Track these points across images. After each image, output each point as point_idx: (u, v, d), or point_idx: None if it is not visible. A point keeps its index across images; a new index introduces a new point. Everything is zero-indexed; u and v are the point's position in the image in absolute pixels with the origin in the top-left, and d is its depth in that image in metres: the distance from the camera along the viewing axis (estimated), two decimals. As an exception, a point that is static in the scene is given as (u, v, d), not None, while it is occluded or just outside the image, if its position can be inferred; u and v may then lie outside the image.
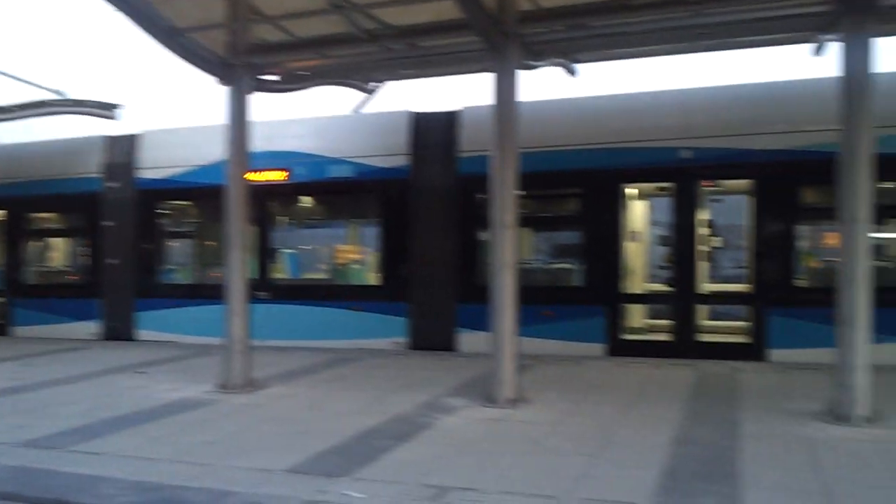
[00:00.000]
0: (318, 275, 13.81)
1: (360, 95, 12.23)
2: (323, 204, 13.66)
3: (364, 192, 12.44)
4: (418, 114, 11.90)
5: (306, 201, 13.41)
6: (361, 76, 10.81)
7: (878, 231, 11.74)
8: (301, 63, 9.76)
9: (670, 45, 8.97)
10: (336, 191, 12.52)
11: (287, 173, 12.51)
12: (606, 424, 6.94)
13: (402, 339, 11.81)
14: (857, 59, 6.86)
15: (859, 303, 6.85)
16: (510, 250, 7.77)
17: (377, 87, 11.97)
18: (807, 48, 8.63)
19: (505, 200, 7.73)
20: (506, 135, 7.70)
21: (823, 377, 7.81)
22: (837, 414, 6.90)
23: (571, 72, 9.56)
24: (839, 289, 6.97)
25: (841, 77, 6.96)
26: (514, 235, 7.79)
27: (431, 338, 11.63)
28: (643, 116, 10.85)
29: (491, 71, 7.77)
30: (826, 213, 10.66)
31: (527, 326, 10.47)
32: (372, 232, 12.86)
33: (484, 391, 8.05)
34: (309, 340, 12.19)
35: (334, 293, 12.60)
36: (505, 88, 7.72)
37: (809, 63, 8.84)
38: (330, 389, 8.88)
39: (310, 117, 13.04)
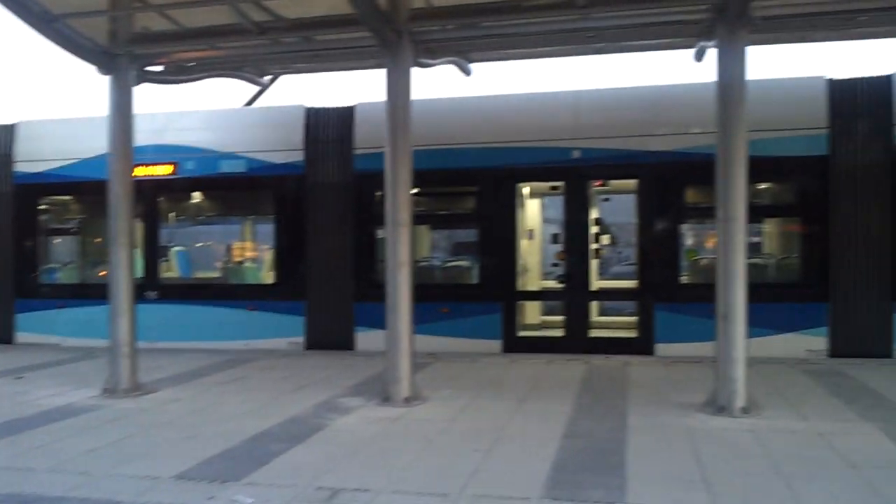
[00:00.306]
0: (211, 273, 13.44)
1: (254, 88, 11.92)
2: (215, 200, 13.27)
3: (258, 189, 12.15)
4: (313, 109, 11.72)
5: (197, 197, 13.00)
6: (254, 69, 10.53)
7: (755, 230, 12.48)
8: (188, 54, 9.42)
9: (561, 47, 9.19)
10: (228, 186, 12.19)
11: (175, 168, 12.08)
12: (500, 420, 7.03)
13: (298, 339, 11.62)
14: (731, 65, 7.19)
15: (737, 298, 7.19)
16: (405, 248, 7.76)
17: (271, 80, 11.70)
18: (689, 54, 9.00)
19: (399, 198, 7.71)
20: (399, 132, 7.69)
21: (706, 370, 8.15)
22: (718, 405, 7.21)
23: (466, 71, 9.63)
24: (718, 285, 7.29)
25: (717, 82, 7.29)
26: (408, 233, 7.78)
27: (329, 337, 11.49)
28: (537, 116, 11.06)
29: (384, 68, 7.73)
30: (708, 213, 11.25)
31: (424, 324, 10.58)
32: (267, 229, 12.60)
33: (380, 390, 8.02)
34: (201, 342, 11.83)
35: (228, 292, 12.28)
36: (398, 85, 7.70)
37: (700, 68, 9.23)
38: (222, 392, 8.64)
39: (201, 110, 12.64)
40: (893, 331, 9.92)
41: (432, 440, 6.43)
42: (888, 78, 10.04)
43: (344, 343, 11.42)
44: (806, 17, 7.85)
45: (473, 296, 11.32)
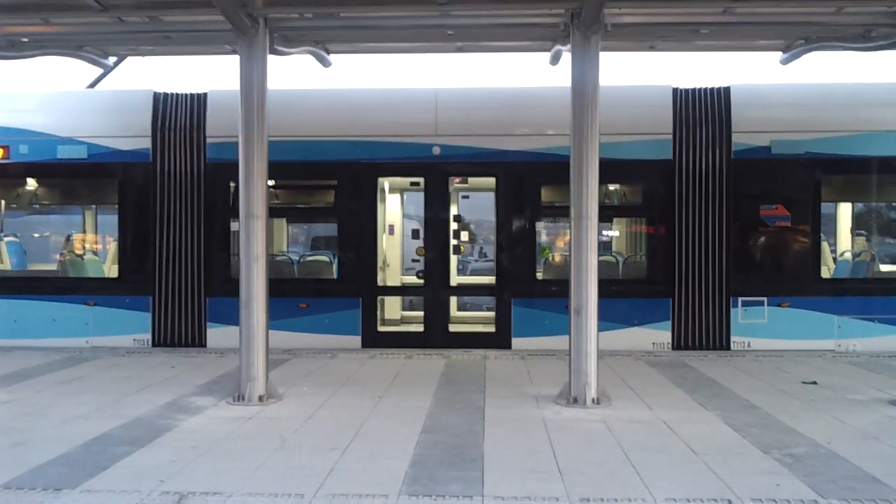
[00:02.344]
0: (48, 266, 12.49)
1: (97, 70, 11.15)
2: (53, 187, 12.35)
3: (101, 176, 11.38)
4: (163, 94, 11.11)
5: (32, 184, 12.03)
6: (96, 49, 9.82)
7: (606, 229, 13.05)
8: (19, 28, 8.65)
9: (422, 43, 9.17)
10: (68, 173, 11.34)
11: (7, 151, 11.12)
12: (358, 417, 6.92)
13: (145, 336, 11.00)
14: (584, 70, 7.43)
15: (589, 294, 7.44)
16: (260, 242, 7.49)
17: (116, 62, 10.98)
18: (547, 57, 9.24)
19: (254, 190, 7.44)
20: (254, 122, 7.42)
21: (561, 363, 8.38)
22: (571, 397, 7.44)
23: (325, 62, 9.43)
24: (571, 281, 7.51)
25: (571, 86, 7.51)
26: (264, 226, 7.51)
27: (178, 333, 10.96)
28: (398, 112, 11.02)
29: (238, 54, 7.43)
30: (563, 211, 11.64)
31: (282, 320, 10.33)
32: (111, 219, 11.83)
33: (233, 389, 7.70)
34: (37, 339, 10.96)
35: (67, 286, 11.44)
36: (253, 73, 7.42)
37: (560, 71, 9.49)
38: (58, 393, 8.00)
39: (37, 92, 11.70)
40: (731, 325, 10.62)
41: (287, 439, 6.23)
42: (727, 89, 10.74)
43: (195, 339, 10.93)
44: (655, 26, 8.24)
45: (333, 291, 11.16)
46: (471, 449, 5.93)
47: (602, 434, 6.41)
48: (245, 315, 7.52)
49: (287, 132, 10.49)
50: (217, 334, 10.78)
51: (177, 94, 11.15)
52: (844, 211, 12.74)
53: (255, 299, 7.49)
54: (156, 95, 11.11)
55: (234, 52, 8.58)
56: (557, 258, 11.83)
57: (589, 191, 7.40)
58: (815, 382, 8.48)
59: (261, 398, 7.48)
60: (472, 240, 15.31)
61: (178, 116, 11.01)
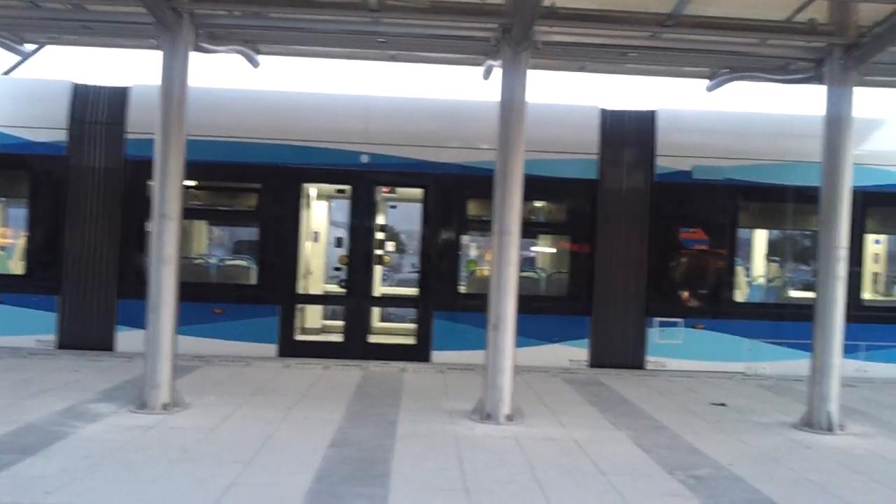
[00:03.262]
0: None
1: (13, 57, 10.64)
2: None
3: (10, 168, 10.84)
4: (82, 86, 10.67)
5: None
6: (11, 34, 9.37)
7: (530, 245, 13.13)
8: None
9: (354, 49, 9.06)
10: None
11: None
12: (266, 429, 6.72)
13: (49, 337, 10.50)
14: (513, 85, 7.45)
15: (508, 309, 7.42)
16: (172, 243, 7.22)
17: (34, 49, 10.51)
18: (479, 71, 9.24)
19: (168, 189, 7.18)
20: (172, 119, 7.17)
21: (479, 377, 8.33)
22: (485, 413, 7.38)
23: (253, 62, 9.20)
24: (491, 296, 7.48)
25: (500, 101, 7.52)
26: (176, 228, 7.24)
27: (86, 336, 10.49)
28: (327, 118, 10.85)
29: (161, 49, 7.18)
30: (488, 225, 11.66)
31: (195, 325, 10.03)
32: (19, 213, 11.29)
33: (136, 396, 7.39)
34: None
35: None
36: (174, 69, 7.19)
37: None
38: (-54, 396, 7.56)
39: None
40: (647, 344, 10.77)
41: (188, 450, 6.00)
42: (652, 113, 10.94)
43: (103, 343, 10.47)
44: (585, 47, 8.31)
45: (250, 297, 10.87)
46: (378, 464, 5.82)
47: (513, 452, 6.38)
48: (152, 319, 7.23)
49: (211, 132, 10.28)
50: (126, 338, 10.35)
51: (98, 87, 10.73)
52: (760, 237, 13.14)
53: (163, 303, 7.21)
54: (75, 87, 10.67)
55: (158, 46, 8.31)
56: (481, 272, 11.83)
57: (512, 206, 7.40)
58: (723, 404, 8.66)
59: (165, 406, 7.20)
60: (400, 250, 15.21)
61: (97, 110, 10.59)
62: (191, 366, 9.45)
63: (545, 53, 8.07)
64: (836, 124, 7.64)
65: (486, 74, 8.94)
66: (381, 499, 5.05)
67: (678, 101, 12.84)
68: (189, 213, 11.23)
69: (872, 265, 12.89)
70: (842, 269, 7.65)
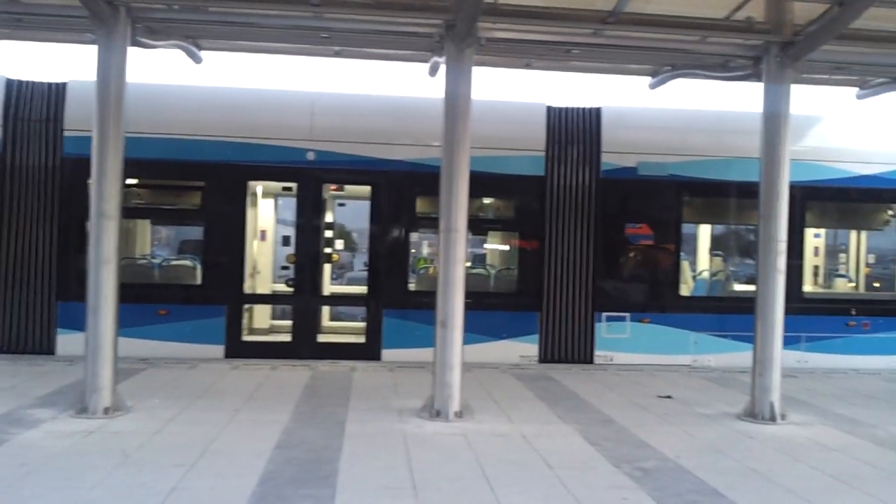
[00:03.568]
0: None
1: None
2: None
3: None
4: (16, 81, 10.32)
5: None
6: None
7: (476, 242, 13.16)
8: None
9: (298, 45, 8.90)
10: None
11: None
12: (211, 432, 6.60)
13: None
14: (457, 82, 7.43)
15: (455, 306, 7.41)
16: (111, 243, 7.03)
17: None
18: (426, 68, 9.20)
19: (106, 187, 6.99)
20: (109, 115, 6.99)
21: (430, 375, 8.30)
22: (434, 410, 7.37)
23: (195, 58, 9.00)
24: (438, 293, 7.46)
25: (444, 98, 7.50)
26: (116, 227, 7.06)
27: (23, 339, 10.17)
28: (273, 114, 10.70)
29: (97, 44, 6.99)
30: (438, 223, 11.67)
31: (140, 327, 9.84)
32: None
33: (77, 400, 7.19)
34: None
35: None
36: (111, 64, 7.01)
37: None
38: None
39: None
40: (596, 339, 10.89)
41: (130, 455, 5.86)
42: (598, 110, 11.07)
43: (42, 346, 10.17)
44: (529, 44, 8.32)
45: (195, 297, 10.65)
46: (326, 465, 5.75)
47: (461, 448, 6.38)
48: (92, 321, 7.04)
49: (154, 129, 10.09)
50: (67, 341, 10.06)
51: (33, 83, 10.41)
52: (704, 232, 13.39)
53: (103, 304, 7.03)
54: (8, 82, 10.33)
55: (95, 41, 8.08)
56: (431, 270, 11.81)
57: (458, 203, 7.39)
58: (670, 396, 8.79)
59: (106, 411, 7.02)
60: (351, 248, 15.09)
61: (33, 106, 10.27)
62: (135, 369, 9.25)
63: (490, 50, 8.06)
64: (774, 121, 7.81)
65: (432, 71, 8.91)
66: (328, 499, 5.00)
67: (625, 98, 12.91)
68: (132, 213, 11.09)
69: (813, 258, 13.24)
70: (781, 261, 7.82)
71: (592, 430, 7.13)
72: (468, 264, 13.00)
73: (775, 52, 7.80)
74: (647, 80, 10.08)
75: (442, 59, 7.78)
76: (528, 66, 9.88)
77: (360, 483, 5.36)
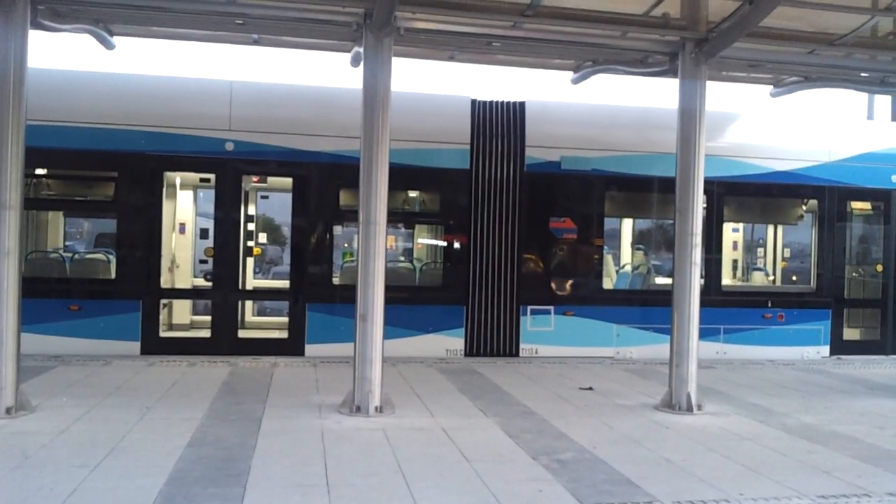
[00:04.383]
0: None
1: None
2: None
3: None
4: None
5: None
6: None
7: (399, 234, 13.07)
8: None
9: (214, 32, 8.63)
10: None
11: None
12: (120, 430, 6.37)
13: None
14: (376, 72, 7.31)
15: (375, 300, 7.32)
16: (13, 235, 6.69)
17: None
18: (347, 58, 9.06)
19: (7, 177, 6.64)
20: (8, 103, 6.63)
21: (352, 371, 8.20)
22: (354, 405, 7.27)
23: (107, 44, 8.66)
24: (358, 287, 7.36)
25: (363, 88, 7.38)
26: (17, 218, 6.72)
27: None
28: (189, 102, 10.40)
29: (-6, 27, 6.66)
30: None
31: (50, 323, 9.49)
32: None
33: (-24, 401, 6.85)
34: None
35: None
36: (9, 48, 6.62)
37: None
38: None
39: None
40: (521, 332, 10.94)
41: (31, 456, 5.60)
42: (522, 104, 11.11)
43: None
44: (449, 35, 8.23)
45: (109, 292, 10.28)
46: (237, 463, 5.60)
47: (380, 443, 6.30)
48: (-8, 317, 6.71)
49: (62, 117, 9.73)
50: None
51: None
52: (626, 226, 13.61)
53: (3, 300, 6.69)
54: None
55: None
56: (353, 263, 11.70)
57: (378, 195, 7.29)
58: (591, 388, 8.89)
59: (8, 410, 6.71)
60: (276, 242, 14.81)
61: None
62: (45, 366, 8.92)
63: (411, 41, 7.99)
64: (689, 116, 7.94)
65: (355, 62, 8.78)
66: (237, 498, 4.85)
67: (558, 94, 13.08)
68: (41, 204, 10.66)
69: (731, 252, 13.59)
70: (697, 255, 7.97)
71: (513, 422, 7.15)
72: (401, 258, 13.00)
73: (690, 49, 7.94)
74: (570, 74, 10.18)
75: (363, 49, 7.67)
76: (452, 58, 9.83)
77: (271, 481, 5.23)
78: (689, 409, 7.81)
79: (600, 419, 7.44)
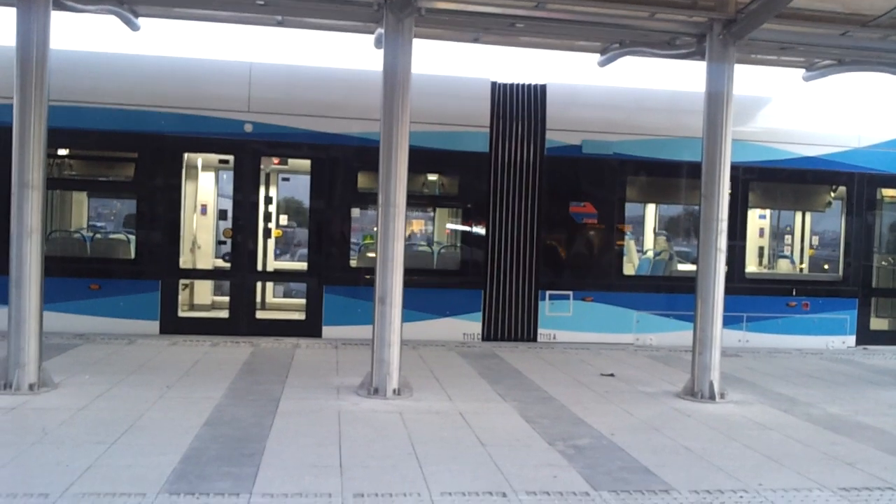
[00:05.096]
0: None
1: None
2: None
3: None
4: None
5: None
6: None
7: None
8: None
9: (237, 12, 8.61)
10: None
11: None
12: (138, 408, 6.43)
13: None
14: (397, 54, 7.25)
15: (394, 283, 7.29)
16: (36, 214, 6.76)
17: None
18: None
19: (29, 156, 6.69)
20: (31, 82, 6.67)
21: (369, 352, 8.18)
22: (372, 387, 7.27)
23: (131, 25, 8.67)
24: (378, 269, 7.33)
25: (384, 70, 7.32)
26: (40, 197, 6.78)
27: None
28: (209, 83, 10.40)
29: (15, 5, 6.68)
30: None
31: (72, 302, 9.55)
32: None
33: (0, 376, 6.94)
34: None
35: None
36: (31, 28, 6.68)
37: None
38: None
39: None
40: (539, 317, 10.86)
41: (50, 432, 5.67)
42: (543, 87, 10.96)
43: None
44: (471, 15, 8.09)
45: (129, 272, 10.33)
46: (253, 443, 5.62)
47: (395, 426, 6.28)
48: (15, 295, 6.78)
49: (84, 97, 9.78)
50: None
51: None
52: (648, 211, 13.42)
53: (26, 277, 6.77)
54: None
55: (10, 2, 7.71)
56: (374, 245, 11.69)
57: (397, 178, 7.24)
58: (612, 375, 8.80)
59: (31, 387, 6.80)
60: (291, 223, 14.77)
61: None
62: (69, 344, 9.05)
63: (432, 22, 7.89)
64: (717, 100, 7.77)
65: (378, 43, 8.68)
66: (249, 478, 4.86)
67: (581, 77, 12.87)
68: (63, 184, 10.75)
69: (757, 239, 13.36)
70: (722, 241, 7.83)
71: (531, 407, 7.10)
72: (420, 242, 12.94)
73: (718, 30, 7.75)
74: (597, 57, 10.01)
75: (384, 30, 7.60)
76: (475, 40, 9.72)
77: (285, 461, 5.24)
78: (712, 398, 7.70)
79: (620, 406, 7.37)
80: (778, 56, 9.89)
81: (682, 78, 11.59)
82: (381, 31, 8.20)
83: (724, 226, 7.83)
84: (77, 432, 5.73)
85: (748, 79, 7.87)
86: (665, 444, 6.13)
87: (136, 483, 4.68)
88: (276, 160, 11.20)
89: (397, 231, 7.27)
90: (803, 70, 10.32)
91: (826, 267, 13.45)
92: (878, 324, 12.26)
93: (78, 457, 5.12)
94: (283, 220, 13.12)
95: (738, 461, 5.75)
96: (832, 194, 12.36)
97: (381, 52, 7.62)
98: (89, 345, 9.23)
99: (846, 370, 9.88)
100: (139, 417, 6.16)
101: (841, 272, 12.03)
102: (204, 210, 12.08)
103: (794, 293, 11.55)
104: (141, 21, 8.87)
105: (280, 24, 9.20)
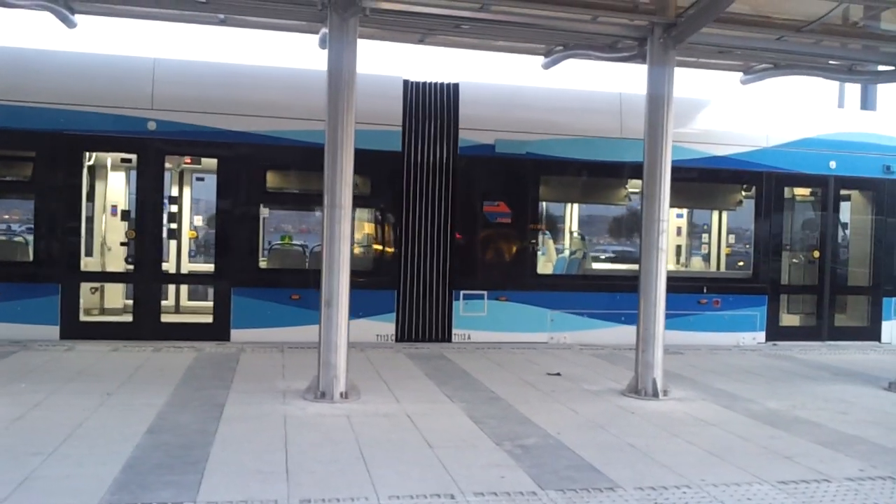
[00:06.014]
0: None
1: None
2: None
3: None
4: None
5: None
6: None
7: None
8: None
9: (178, 10, 8.46)
10: None
11: None
12: (77, 417, 6.22)
13: None
14: (341, 54, 7.19)
15: (341, 285, 7.23)
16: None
17: None
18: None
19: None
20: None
21: (313, 356, 8.09)
22: (319, 391, 7.19)
23: (68, 22, 8.44)
24: (322, 272, 7.25)
25: (327, 70, 7.25)
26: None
27: None
28: (109, 80, 10.05)
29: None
30: (291, 198, 11.43)
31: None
32: None
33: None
34: None
35: None
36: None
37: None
38: None
39: None
40: (454, 317, 10.90)
41: (-22, 446, 5.47)
42: (455, 85, 10.99)
43: None
44: (417, 16, 8.07)
45: (25, 275, 9.96)
46: (196, 450, 5.51)
47: (343, 430, 6.23)
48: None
49: None
50: None
51: None
52: (562, 210, 13.55)
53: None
54: None
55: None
56: (285, 247, 11.58)
57: (343, 178, 7.17)
58: (559, 374, 8.89)
59: None
60: (201, 224, 14.38)
61: None
62: (5, 351, 8.77)
63: (377, 22, 7.87)
64: (657, 102, 7.90)
65: (322, 43, 8.63)
66: (193, 486, 4.77)
67: (538, 80, 12.84)
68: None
69: (675, 238, 13.61)
70: (664, 241, 7.97)
71: (479, 408, 7.12)
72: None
73: (659, 34, 7.89)
74: (542, 59, 10.11)
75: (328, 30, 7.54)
76: (421, 41, 9.75)
77: (230, 468, 5.15)
78: (655, 395, 7.83)
79: (566, 404, 7.44)
80: (717, 59, 10.13)
81: (628, 80, 11.76)
82: (325, 31, 8.16)
83: (665, 226, 7.97)
84: (13, 443, 5.54)
85: (687, 82, 8.04)
86: (610, 442, 6.21)
87: (75, 495, 4.55)
88: (187, 159, 10.93)
89: (343, 233, 7.20)
90: (741, 73, 10.59)
91: (741, 264, 13.70)
92: (788, 320, 12.59)
93: (13, 469, 4.95)
94: (199, 220, 12.78)
95: (680, 457, 5.85)
96: (743, 193, 12.62)
97: (324, 52, 7.59)
98: (26, 351, 8.96)
99: (785, 366, 10.16)
100: (78, 426, 5.99)
101: (751, 270, 12.31)
102: (115, 211, 11.59)
103: (704, 290, 11.77)
104: (78, 18, 8.67)
105: (223, 22, 9.08)
